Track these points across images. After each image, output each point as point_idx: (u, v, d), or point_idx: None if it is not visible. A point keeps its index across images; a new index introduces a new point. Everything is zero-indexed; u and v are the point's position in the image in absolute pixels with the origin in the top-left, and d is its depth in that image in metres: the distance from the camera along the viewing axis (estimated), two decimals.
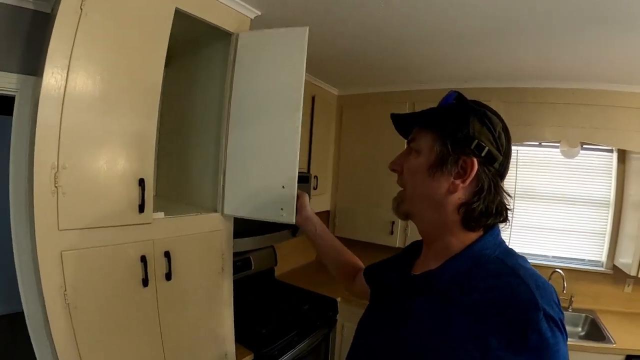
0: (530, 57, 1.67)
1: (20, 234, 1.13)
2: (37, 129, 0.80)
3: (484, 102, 0.60)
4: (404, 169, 0.63)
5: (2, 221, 1.58)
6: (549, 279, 2.05)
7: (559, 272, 2.12)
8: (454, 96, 0.60)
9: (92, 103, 0.89)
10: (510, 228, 2.34)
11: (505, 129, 0.58)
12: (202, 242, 1.22)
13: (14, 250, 1.12)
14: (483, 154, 0.54)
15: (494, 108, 0.59)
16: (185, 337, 1.18)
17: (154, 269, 1.05)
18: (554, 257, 2.33)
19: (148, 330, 1.06)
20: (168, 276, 1.08)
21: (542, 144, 2.27)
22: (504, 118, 0.59)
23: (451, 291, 0.53)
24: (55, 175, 0.82)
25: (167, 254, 1.08)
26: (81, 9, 0.83)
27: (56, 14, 0.82)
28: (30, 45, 1.13)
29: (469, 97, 0.61)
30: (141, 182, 0.99)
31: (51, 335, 0.84)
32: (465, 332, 0.48)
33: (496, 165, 0.56)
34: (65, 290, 0.85)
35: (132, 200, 0.98)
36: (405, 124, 0.66)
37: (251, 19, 1.33)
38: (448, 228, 0.58)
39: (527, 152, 2.33)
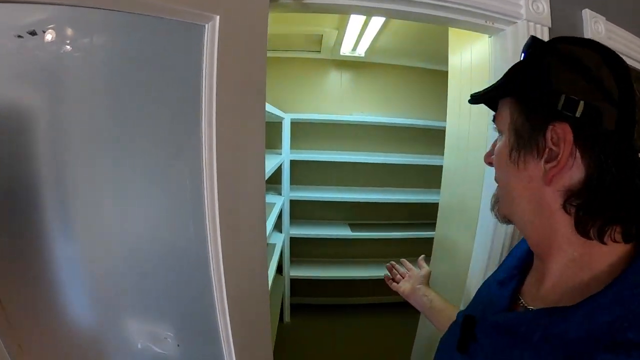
0: None
1: None
2: None
3: None
4: (493, 160, 0.46)
5: None
6: None
7: None
8: (528, 43, 0.41)
9: None
10: None
11: (612, 62, 0.35)
12: None
13: None
14: (578, 114, 0.34)
15: None
16: None
17: None
18: None
19: None
20: None
21: None
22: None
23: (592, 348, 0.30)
24: None
25: None
26: None
27: None
28: None
29: None
30: None
31: None
32: None
33: (608, 124, 0.33)
34: None
35: None
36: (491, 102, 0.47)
37: None
38: (558, 236, 0.38)
39: None
